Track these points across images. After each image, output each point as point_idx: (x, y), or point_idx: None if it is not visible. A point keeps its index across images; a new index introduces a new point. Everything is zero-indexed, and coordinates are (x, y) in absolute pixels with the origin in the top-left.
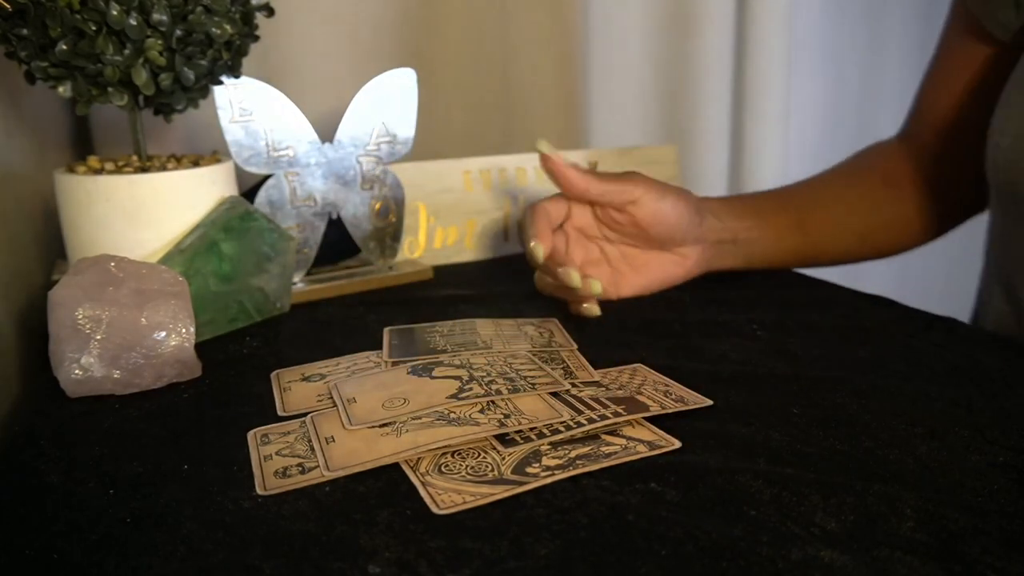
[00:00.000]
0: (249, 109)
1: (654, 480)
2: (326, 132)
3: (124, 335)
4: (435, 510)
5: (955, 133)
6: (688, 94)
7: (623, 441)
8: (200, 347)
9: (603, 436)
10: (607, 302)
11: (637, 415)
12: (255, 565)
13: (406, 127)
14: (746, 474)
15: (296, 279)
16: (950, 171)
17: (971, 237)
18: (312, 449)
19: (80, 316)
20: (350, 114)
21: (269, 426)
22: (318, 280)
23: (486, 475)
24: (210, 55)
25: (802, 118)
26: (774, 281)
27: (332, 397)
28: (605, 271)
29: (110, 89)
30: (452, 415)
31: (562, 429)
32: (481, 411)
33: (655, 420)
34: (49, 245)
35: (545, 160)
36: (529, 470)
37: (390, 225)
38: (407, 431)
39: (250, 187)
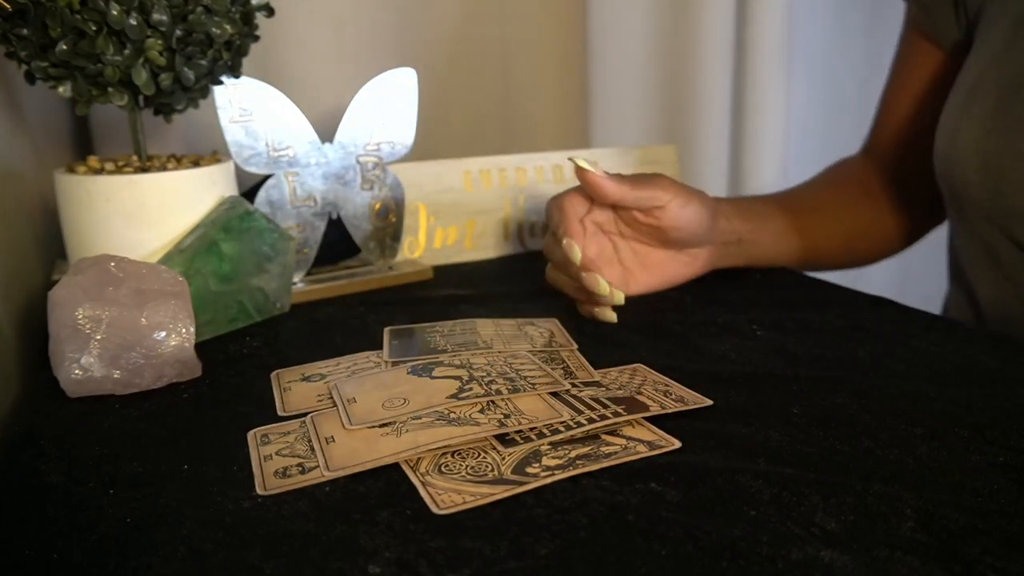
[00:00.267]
0: (249, 109)
1: (654, 480)
2: (326, 132)
3: (124, 335)
4: (435, 510)
5: (911, 142)
6: (688, 94)
7: (623, 441)
8: (200, 347)
9: (603, 436)
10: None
11: (637, 415)
12: (255, 565)
13: (406, 127)
14: (746, 474)
15: (296, 279)
16: (911, 180)
17: None
18: (312, 449)
19: (80, 316)
20: (350, 114)
21: (269, 426)
22: (318, 280)
23: (486, 475)
24: (210, 55)
25: (802, 118)
26: (774, 281)
27: (332, 397)
28: (616, 269)
29: (110, 89)
30: (452, 415)
31: (562, 429)
32: (481, 411)
33: (655, 420)
34: (49, 245)
35: (581, 173)
36: (529, 470)
37: (390, 225)
38: (407, 431)
39: (250, 187)
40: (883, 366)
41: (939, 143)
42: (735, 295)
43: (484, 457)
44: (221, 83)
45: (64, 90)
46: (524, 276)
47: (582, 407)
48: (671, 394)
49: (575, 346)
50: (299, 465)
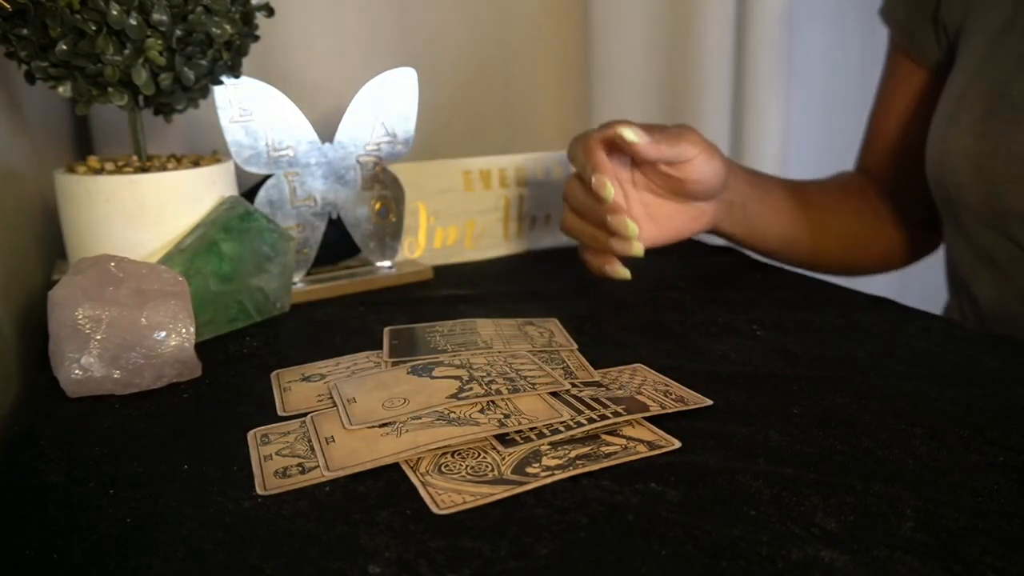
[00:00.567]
0: (249, 109)
1: (654, 480)
2: (326, 132)
3: (124, 335)
4: (435, 510)
5: (902, 160)
6: (688, 94)
7: (623, 441)
8: (200, 347)
9: (603, 436)
10: (607, 301)
11: (637, 415)
12: (255, 565)
13: (406, 127)
14: (746, 474)
15: (296, 279)
16: (904, 197)
17: None
18: (312, 449)
19: (80, 316)
20: (350, 114)
21: (269, 426)
22: (318, 280)
23: (486, 475)
24: (210, 55)
25: (802, 119)
26: (774, 281)
27: (332, 397)
28: None
29: (110, 89)
30: (452, 415)
31: (562, 429)
32: (481, 411)
33: (655, 420)
34: (49, 245)
35: (622, 140)
36: (529, 470)
37: (390, 225)
38: (407, 431)
39: (250, 187)
40: (883, 366)
41: (931, 151)
42: (735, 295)
43: (484, 457)
44: (221, 83)
45: (64, 90)
46: (524, 276)
47: (582, 407)
48: (671, 394)
49: (575, 346)
50: (299, 465)
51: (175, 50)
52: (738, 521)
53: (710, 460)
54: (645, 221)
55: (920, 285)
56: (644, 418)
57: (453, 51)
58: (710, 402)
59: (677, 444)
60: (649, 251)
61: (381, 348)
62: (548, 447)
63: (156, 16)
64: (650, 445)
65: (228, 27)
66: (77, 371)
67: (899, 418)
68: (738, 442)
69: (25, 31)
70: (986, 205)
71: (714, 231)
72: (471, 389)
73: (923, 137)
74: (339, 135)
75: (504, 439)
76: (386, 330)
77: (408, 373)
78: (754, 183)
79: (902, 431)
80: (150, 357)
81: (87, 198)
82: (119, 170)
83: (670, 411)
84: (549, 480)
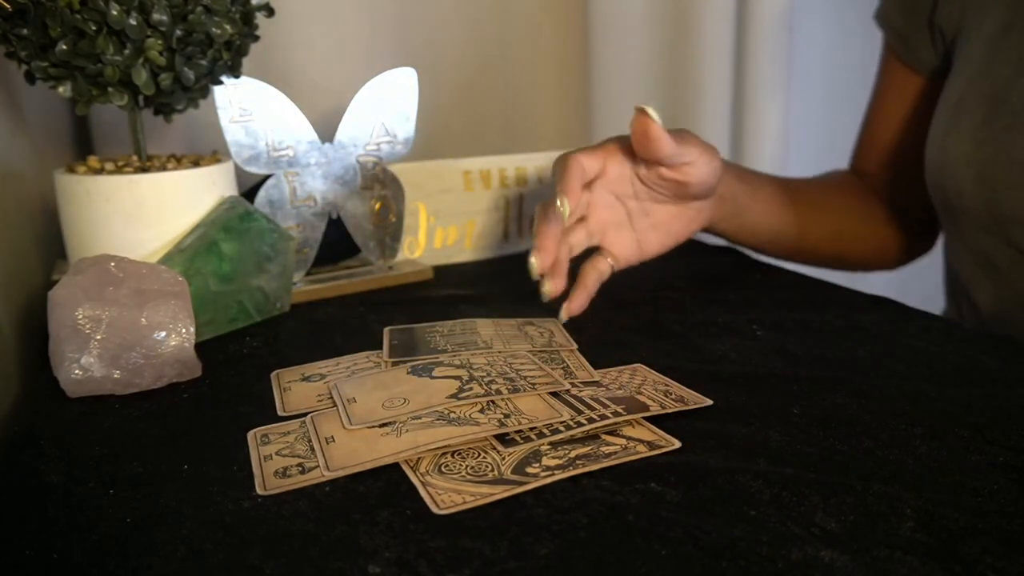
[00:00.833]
0: (249, 109)
1: (654, 480)
2: (326, 132)
3: (124, 335)
4: (435, 510)
5: (895, 164)
6: (688, 94)
7: (623, 441)
8: (200, 347)
9: (603, 436)
10: (607, 301)
11: (637, 415)
12: (255, 565)
13: (406, 127)
14: (746, 474)
15: (296, 279)
16: (897, 200)
17: None
18: (312, 449)
19: (80, 316)
20: (350, 114)
21: (269, 426)
22: (318, 280)
23: (486, 475)
24: (210, 55)
25: (802, 118)
26: (774, 281)
27: (332, 397)
28: (628, 235)
29: (110, 89)
30: (452, 415)
31: (562, 429)
32: (481, 411)
33: (655, 420)
34: (49, 245)
35: (643, 122)
36: (529, 470)
37: (390, 225)
38: (407, 431)
39: (250, 187)
40: (883, 366)
41: (930, 158)
42: (735, 295)
43: (484, 457)
44: (221, 83)
45: (64, 90)
46: (524, 276)
47: (582, 407)
48: (671, 394)
49: (575, 346)
50: (299, 465)
51: (175, 50)
52: (738, 521)
53: (710, 460)
54: (649, 231)
55: (920, 285)
56: (644, 418)
57: (453, 51)
58: (710, 402)
59: (677, 444)
60: None
61: (381, 348)
62: (548, 447)
63: (156, 16)
64: (650, 445)
65: (228, 27)
66: (77, 371)
67: (899, 418)
68: (738, 442)
69: (25, 31)
70: (987, 211)
71: (708, 228)
72: (471, 389)
73: (917, 142)
74: (339, 135)
75: (504, 439)
76: (386, 330)
77: (408, 373)
78: (742, 177)
79: (902, 431)
80: (150, 357)
81: (87, 198)
82: (119, 170)
83: (670, 411)
84: (549, 480)
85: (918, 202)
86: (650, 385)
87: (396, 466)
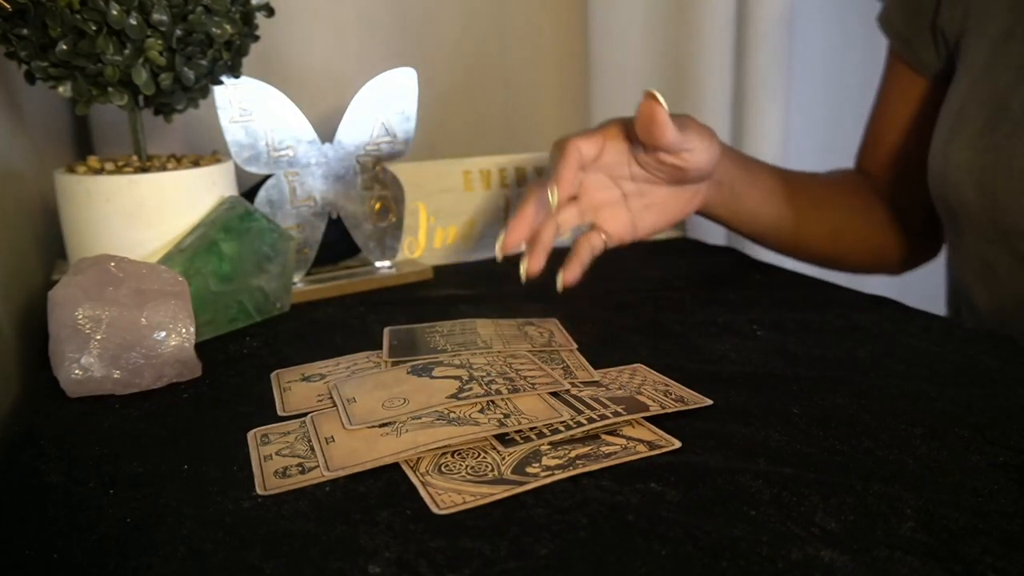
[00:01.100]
0: (249, 109)
1: (654, 480)
2: (326, 132)
3: (124, 335)
4: (435, 510)
5: (898, 167)
6: (688, 94)
7: (623, 441)
8: (200, 347)
9: (603, 436)
10: (607, 301)
11: (637, 415)
12: (255, 565)
13: (406, 127)
14: (746, 474)
15: (296, 279)
16: (899, 201)
17: None
18: (312, 449)
19: (80, 316)
20: (350, 114)
21: (269, 426)
22: (318, 280)
23: (486, 475)
24: (210, 55)
25: (802, 118)
26: (774, 281)
27: (332, 397)
28: (623, 214)
29: (110, 89)
30: (452, 415)
31: (562, 429)
32: (481, 411)
33: (655, 420)
34: (49, 245)
35: (651, 106)
36: (529, 470)
37: (390, 225)
38: (407, 431)
39: (250, 187)
40: (883, 366)
41: (932, 165)
42: (735, 295)
43: (484, 457)
44: (221, 83)
45: (64, 90)
46: None
47: (582, 407)
48: (671, 394)
49: (575, 346)
50: (299, 465)
51: (175, 50)
52: (738, 521)
53: (710, 460)
54: (644, 211)
55: (920, 285)
56: (644, 418)
57: (453, 51)
58: (710, 402)
59: (677, 444)
60: (649, 250)
61: (381, 348)
62: (548, 447)
63: (156, 16)
64: (650, 445)
65: (228, 27)
66: (77, 371)
67: (899, 418)
68: (738, 442)
69: (25, 31)
70: (988, 219)
71: (704, 211)
72: (471, 389)
73: (921, 145)
74: (339, 135)
75: (504, 439)
76: (386, 330)
77: (408, 373)
78: (741, 164)
79: (902, 431)
80: (150, 357)
81: (87, 198)
82: (119, 170)
83: (670, 411)
84: (549, 480)
85: (921, 205)
86: (650, 385)
87: (396, 466)
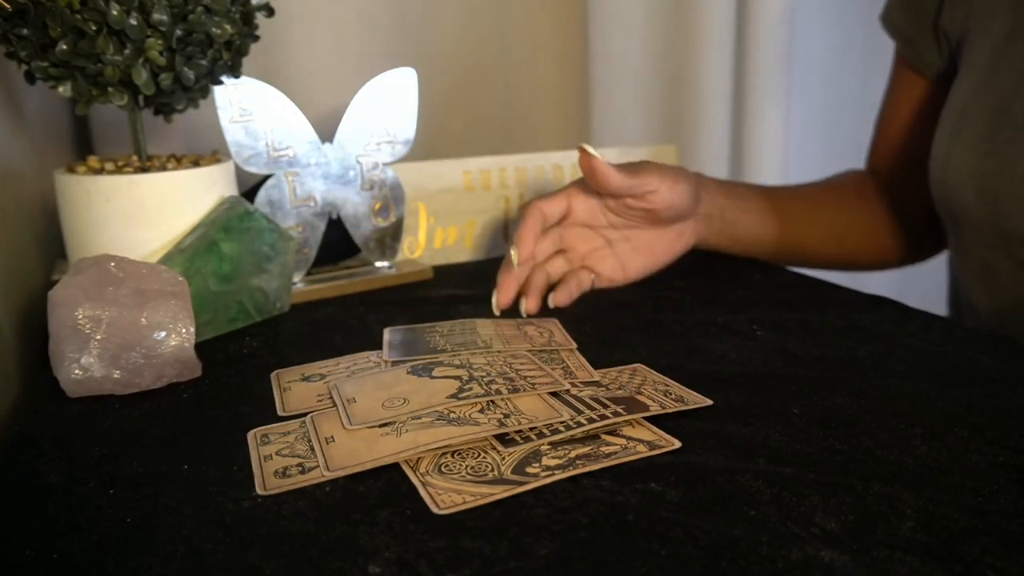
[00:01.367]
0: (249, 109)
1: (654, 480)
2: (326, 132)
3: (124, 335)
4: (435, 510)
5: (905, 167)
6: (688, 94)
7: (623, 441)
8: (200, 347)
9: (603, 436)
10: (607, 301)
11: (637, 415)
12: (255, 565)
13: (406, 127)
14: (746, 474)
15: (296, 279)
16: (906, 200)
17: None
18: (312, 449)
19: (80, 316)
20: (350, 114)
21: (269, 426)
22: (318, 280)
23: (486, 475)
24: (210, 55)
25: (802, 118)
26: (774, 281)
27: (332, 397)
28: (609, 258)
29: (110, 89)
30: (452, 415)
31: (562, 429)
32: (481, 411)
33: (655, 420)
34: (49, 245)
35: (587, 159)
36: (529, 470)
37: (390, 225)
38: (407, 431)
39: (250, 187)
40: (883, 366)
41: (934, 169)
42: (735, 295)
43: (484, 457)
44: (221, 83)
45: (64, 90)
46: None
47: (582, 407)
48: (671, 394)
49: (575, 346)
50: (299, 465)
51: (175, 50)
52: (738, 521)
53: (710, 460)
54: (631, 254)
55: (920, 285)
56: (644, 418)
57: (453, 51)
58: (710, 402)
59: (677, 444)
60: None
61: (381, 348)
62: (548, 447)
63: (156, 16)
64: (650, 445)
65: (228, 27)
66: (77, 371)
67: (899, 418)
68: (738, 442)
69: (25, 31)
70: (989, 224)
71: (702, 246)
72: (471, 389)
73: (924, 146)
74: (339, 135)
75: (504, 439)
76: (386, 330)
77: (408, 373)
78: (729, 192)
79: (902, 431)
80: (150, 357)
81: (87, 198)
82: (119, 170)
83: (670, 411)
84: (549, 480)
85: (923, 204)
86: (650, 385)
87: (396, 466)
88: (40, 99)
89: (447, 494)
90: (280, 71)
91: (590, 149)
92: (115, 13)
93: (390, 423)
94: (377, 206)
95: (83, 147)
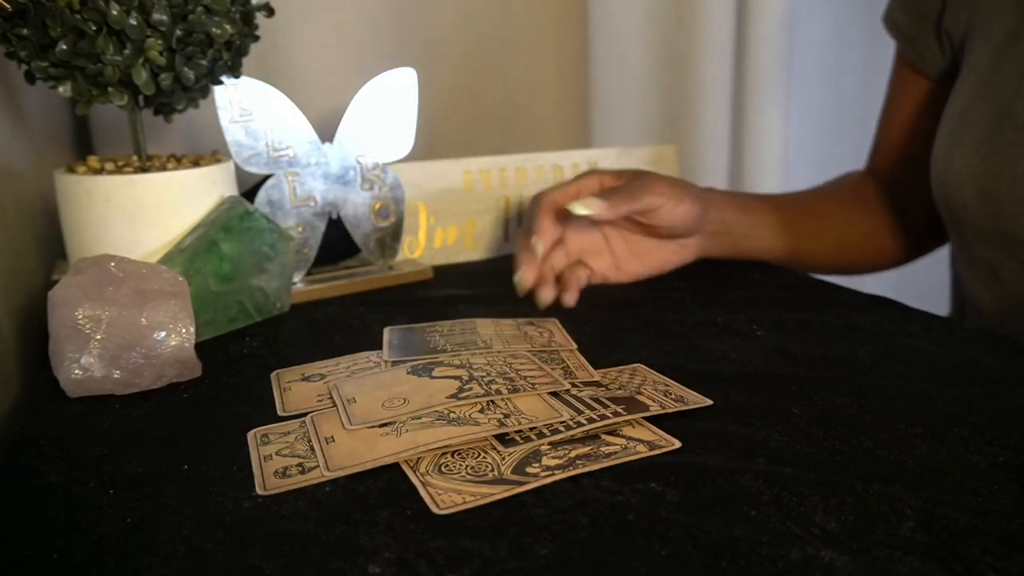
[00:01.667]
0: (249, 109)
1: (654, 480)
2: (326, 132)
3: (124, 335)
4: (435, 510)
5: (906, 167)
6: (688, 94)
7: (623, 441)
8: (200, 347)
9: (603, 436)
10: (607, 301)
11: (637, 415)
12: (255, 565)
13: (406, 127)
14: (746, 474)
15: (296, 279)
16: (907, 200)
17: None
18: (312, 449)
19: (80, 316)
20: (350, 114)
21: (269, 426)
22: (318, 280)
23: (486, 475)
24: (210, 55)
25: (802, 118)
26: (774, 281)
27: (332, 397)
28: (607, 258)
29: (110, 89)
30: (452, 415)
31: (562, 429)
32: (481, 411)
33: (655, 420)
34: (49, 245)
35: (586, 216)
36: (529, 470)
37: (390, 225)
38: (407, 431)
39: (250, 187)
40: (883, 366)
41: (935, 170)
42: (735, 295)
43: (484, 457)
44: (221, 83)
45: (64, 90)
46: None
47: (582, 407)
48: (671, 394)
49: (575, 346)
50: (299, 465)
51: (175, 50)
52: (738, 521)
53: (710, 460)
54: (628, 257)
55: (920, 285)
56: (644, 418)
57: (453, 51)
58: (710, 402)
59: (677, 444)
60: None
61: (381, 348)
62: (548, 447)
63: (156, 16)
64: (650, 445)
65: (228, 27)
66: (77, 371)
67: (899, 418)
68: (738, 442)
69: (25, 31)
70: (990, 225)
71: (704, 257)
72: (471, 389)
73: (925, 146)
74: (339, 135)
75: (504, 439)
76: (386, 330)
77: (408, 373)
78: (738, 208)
79: (902, 431)
80: (150, 357)
81: (87, 198)
82: (119, 170)
83: (670, 411)
84: (549, 480)
85: (924, 204)
86: (650, 385)
87: (396, 466)
88: (40, 99)
89: (447, 494)
90: (280, 71)
91: (580, 211)
92: (115, 13)
93: (390, 423)
94: (377, 206)
95: (83, 147)
